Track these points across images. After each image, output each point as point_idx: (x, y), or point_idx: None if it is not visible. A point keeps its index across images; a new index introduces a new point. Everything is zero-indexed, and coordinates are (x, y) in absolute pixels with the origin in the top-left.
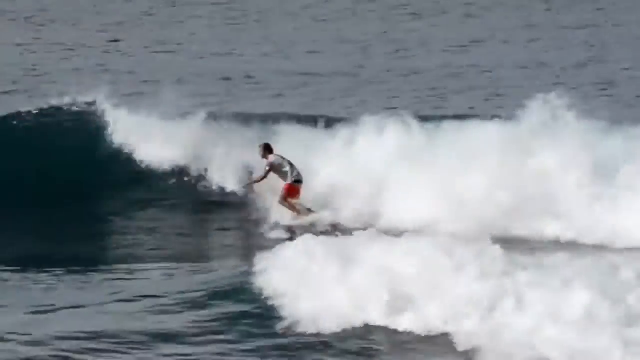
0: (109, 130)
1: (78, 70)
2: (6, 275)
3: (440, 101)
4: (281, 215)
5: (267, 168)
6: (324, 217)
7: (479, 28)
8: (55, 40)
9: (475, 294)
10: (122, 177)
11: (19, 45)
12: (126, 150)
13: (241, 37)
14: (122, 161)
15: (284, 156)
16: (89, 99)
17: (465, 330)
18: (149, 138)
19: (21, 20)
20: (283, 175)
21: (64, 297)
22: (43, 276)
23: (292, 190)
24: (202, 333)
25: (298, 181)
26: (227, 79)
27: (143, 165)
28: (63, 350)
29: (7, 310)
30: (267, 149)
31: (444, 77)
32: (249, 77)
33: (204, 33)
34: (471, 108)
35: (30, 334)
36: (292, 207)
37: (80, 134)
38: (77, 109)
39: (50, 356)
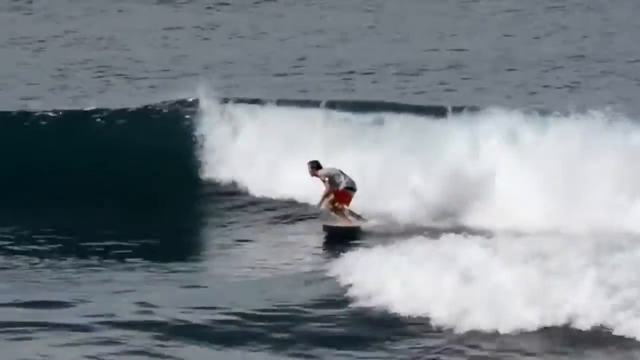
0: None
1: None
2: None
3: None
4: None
5: (327, 179)
6: (373, 224)
7: None
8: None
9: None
10: None
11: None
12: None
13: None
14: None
15: (334, 167)
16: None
17: None
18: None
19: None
20: (337, 185)
21: None
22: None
23: (345, 196)
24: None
25: (351, 188)
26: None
27: None
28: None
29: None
30: (317, 166)
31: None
32: (363, 67)
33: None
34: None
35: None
36: (341, 213)
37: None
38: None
39: None
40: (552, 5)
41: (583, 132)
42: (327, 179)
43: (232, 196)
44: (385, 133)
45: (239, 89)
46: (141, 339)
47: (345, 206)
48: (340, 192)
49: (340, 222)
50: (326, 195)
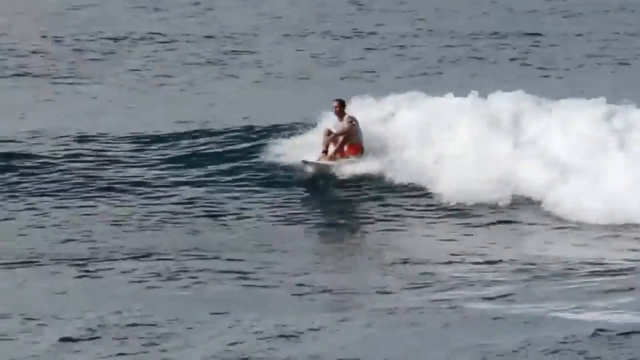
0: None
1: None
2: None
3: None
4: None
5: (352, 122)
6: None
7: None
8: None
9: None
10: None
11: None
12: None
13: None
14: None
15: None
16: None
17: None
18: None
19: None
20: (356, 134)
21: None
22: None
23: (356, 149)
24: None
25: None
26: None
27: None
28: None
29: None
30: (344, 105)
31: None
32: None
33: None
34: None
35: None
36: (333, 156)
37: None
38: None
39: None
40: None
41: None
42: (352, 122)
43: None
44: None
45: None
46: None
47: (345, 155)
48: (356, 145)
49: (322, 160)
50: (341, 134)
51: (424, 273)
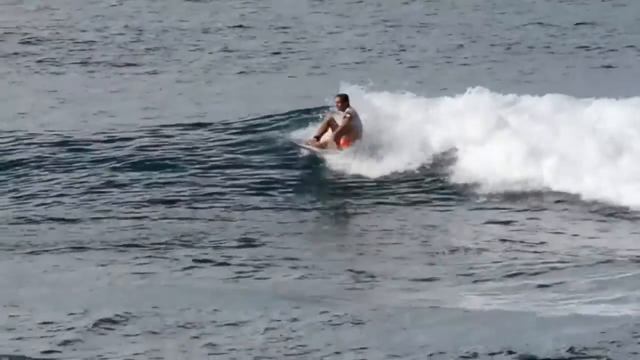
0: None
1: None
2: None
3: None
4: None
5: (349, 117)
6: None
7: None
8: None
9: None
10: None
11: None
12: None
13: None
14: None
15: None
16: None
17: None
18: None
19: None
20: (355, 129)
21: None
22: None
23: (349, 142)
24: None
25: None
26: None
27: None
28: None
29: None
30: (346, 100)
31: None
32: None
33: None
34: None
35: None
36: (326, 146)
37: None
38: None
39: None
40: None
41: None
42: (348, 117)
43: None
44: None
45: None
46: None
47: (339, 146)
48: (352, 139)
49: (311, 145)
50: (341, 131)
51: (468, 262)
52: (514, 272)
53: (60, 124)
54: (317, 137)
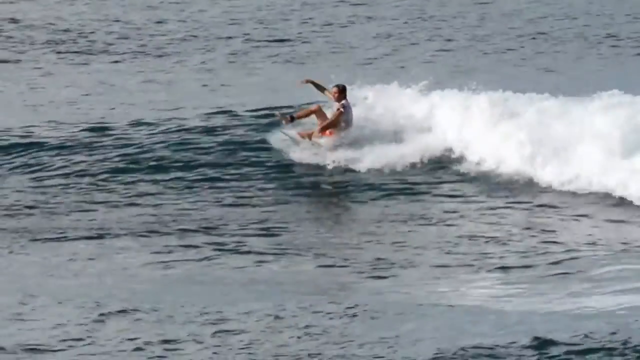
0: None
1: None
2: None
3: None
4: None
5: (342, 109)
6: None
7: None
8: None
9: None
10: None
11: None
12: None
13: None
14: None
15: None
16: None
17: None
18: None
19: None
20: (344, 122)
21: None
22: None
23: (332, 133)
24: None
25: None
26: None
27: None
28: None
29: None
30: (344, 92)
31: None
32: None
33: None
34: None
35: None
36: (311, 135)
37: None
38: None
39: None
40: None
41: None
42: (341, 110)
43: None
44: None
45: None
46: None
47: (323, 135)
48: (338, 131)
49: (296, 134)
50: (329, 124)
51: (487, 251)
52: (533, 261)
53: (84, 113)
54: (292, 117)
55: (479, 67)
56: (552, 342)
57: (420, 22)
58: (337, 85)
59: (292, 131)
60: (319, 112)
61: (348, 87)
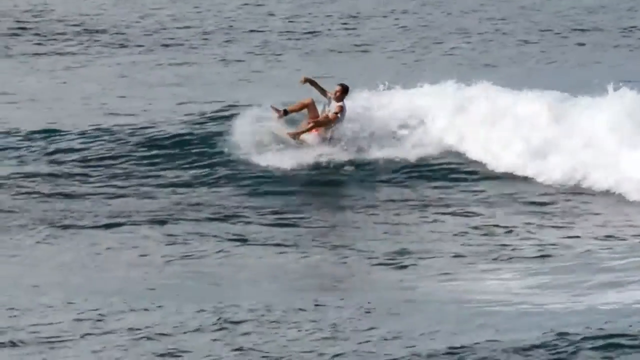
0: None
1: None
2: None
3: None
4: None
5: (339, 111)
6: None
7: None
8: None
9: None
10: None
11: None
12: None
13: None
14: None
15: None
16: None
17: None
18: None
19: None
20: (336, 122)
21: None
22: None
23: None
24: None
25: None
26: None
27: None
28: None
29: None
30: (346, 93)
31: None
32: None
33: None
34: None
35: None
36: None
37: None
38: None
39: None
40: None
41: None
42: (338, 112)
43: None
44: None
45: None
46: None
47: (311, 132)
48: (326, 130)
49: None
50: (323, 123)
51: (503, 243)
52: (548, 253)
53: (106, 105)
54: (285, 111)
55: (502, 60)
56: (570, 335)
57: (443, 16)
58: (342, 85)
59: (282, 128)
60: (311, 106)
61: (375, 85)
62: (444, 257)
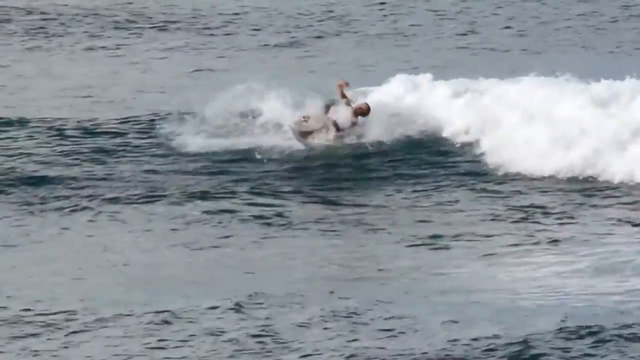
0: None
1: None
2: None
3: None
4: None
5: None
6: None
7: None
8: None
9: None
10: None
11: None
12: None
13: None
14: None
15: None
16: None
17: None
18: None
19: None
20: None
21: None
22: None
23: None
24: None
25: None
26: None
27: None
28: None
29: None
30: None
31: None
32: None
33: None
34: None
35: None
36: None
37: None
38: None
39: None
40: None
41: None
42: (351, 126)
43: None
44: None
45: None
46: None
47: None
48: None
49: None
50: (341, 127)
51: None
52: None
53: (124, 97)
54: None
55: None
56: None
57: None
58: (368, 106)
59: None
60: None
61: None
62: (485, 241)
